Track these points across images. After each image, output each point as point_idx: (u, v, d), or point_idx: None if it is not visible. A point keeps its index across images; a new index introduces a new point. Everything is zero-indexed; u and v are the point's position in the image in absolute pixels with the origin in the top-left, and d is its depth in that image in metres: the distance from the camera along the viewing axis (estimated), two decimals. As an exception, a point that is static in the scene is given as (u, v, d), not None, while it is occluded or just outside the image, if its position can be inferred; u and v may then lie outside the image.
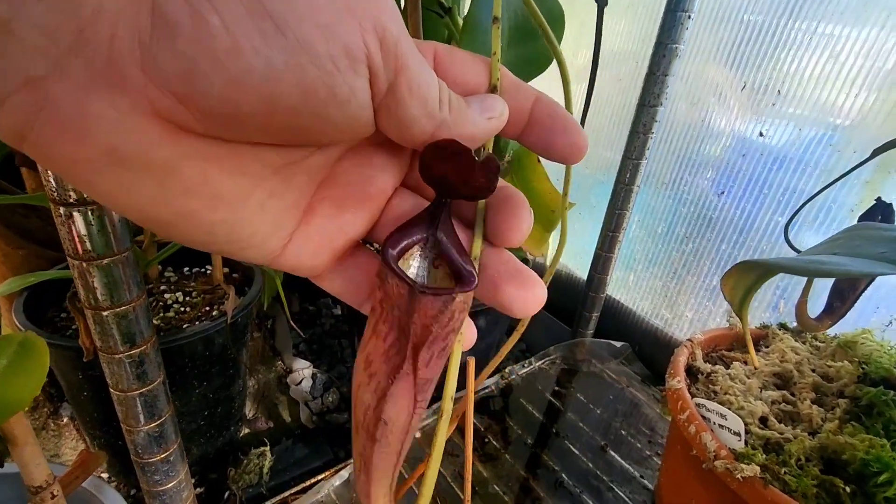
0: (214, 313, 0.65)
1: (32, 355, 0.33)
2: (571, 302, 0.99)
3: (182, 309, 0.67)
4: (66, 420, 0.79)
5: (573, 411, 0.82)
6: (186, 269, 0.78)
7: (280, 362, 0.98)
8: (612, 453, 0.75)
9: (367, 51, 0.15)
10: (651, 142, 0.72)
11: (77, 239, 0.31)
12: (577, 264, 1.04)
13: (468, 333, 0.21)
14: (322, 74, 0.14)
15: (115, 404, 0.39)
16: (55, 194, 0.30)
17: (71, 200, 0.30)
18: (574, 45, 0.88)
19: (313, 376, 0.95)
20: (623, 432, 0.79)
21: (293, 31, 0.13)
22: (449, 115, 0.17)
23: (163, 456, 0.43)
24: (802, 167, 0.68)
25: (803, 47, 0.64)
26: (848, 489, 0.43)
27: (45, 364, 0.33)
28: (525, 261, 0.83)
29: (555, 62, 0.27)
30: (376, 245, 0.20)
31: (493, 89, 0.20)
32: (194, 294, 0.70)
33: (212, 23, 0.13)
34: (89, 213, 0.31)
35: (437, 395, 0.21)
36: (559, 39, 0.52)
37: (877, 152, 0.42)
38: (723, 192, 0.76)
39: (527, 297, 0.19)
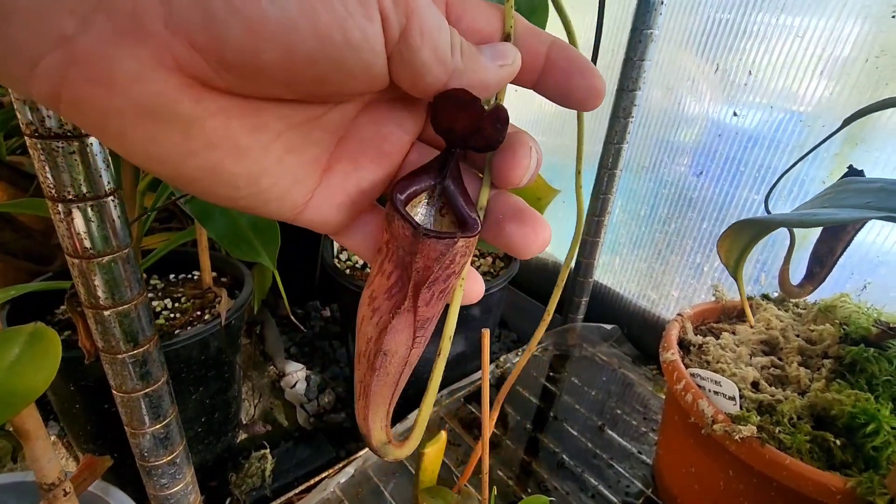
0: (207, 317, 0.64)
1: (44, 345, 0.32)
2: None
3: (172, 315, 0.66)
4: (53, 439, 0.76)
5: (568, 394, 0.84)
6: (172, 276, 0.76)
7: (272, 367, 0.97)
8: (610, 432, 0.76)
9: (386, 14, 0.15)
10: (631, 126, 0.74)
11: (76, 236, 0.31)
12: (563, 251, 1.06)
13: (475, 287, 0.22)
14: (335, 19, 0.14)
15: (119, 407, 0.39)
16: (53, 191, 0.29)
17: (70, 197, 0.29)
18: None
19: (307, 378, 0.94)
20: (618, 411, 0.81)
21: None
22: (461, 62, 0.17)
23: (169, 458, 0.42)
24: (775, 145, 0.71)
25: (767, 38, 0.67)
26: (838, 442, 0.45)
27: (57, 353, 0.32)
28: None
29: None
30: None
31: (506, 37, 0.20)
32: (183, 300, 0.69)
33: None
34: (88, 209, 0.30)
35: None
36: (542, 25, 0.53)
37: (847, 122, 0.44)
38: (701, 173, 0.78)
39: (528, 234, 0.20)
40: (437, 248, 0.18)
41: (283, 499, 0.61)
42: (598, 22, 0.56)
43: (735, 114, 0.72)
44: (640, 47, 0.68)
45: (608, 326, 0.95)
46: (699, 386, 0.52)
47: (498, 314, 0.88)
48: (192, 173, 0.16)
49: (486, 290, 0.76)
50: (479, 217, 0.20)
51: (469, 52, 0.18)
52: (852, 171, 0.49)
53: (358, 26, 0.15)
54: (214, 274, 0.74)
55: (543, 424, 0.77)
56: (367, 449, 0.67)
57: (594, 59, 0.60)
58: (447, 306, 0.21)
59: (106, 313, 0.34)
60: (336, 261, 0.82)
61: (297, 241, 0.73)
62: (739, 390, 0.50)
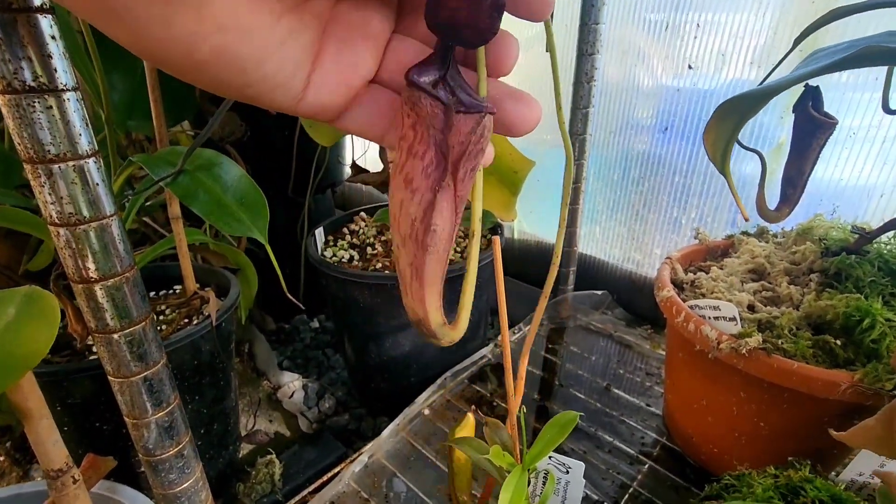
0: (195, 322, 0.62)
1: (41, 305, 0.30)
2: (546, 267, 1.02)
3: (158, 328, 0.63)
4: (39, 479, 0.71)
5: (570, 363, 0.84)
6: (153, 293, 0.74)
7: (266, 381, 0.94)
8: (616, 391, 0.76)
9: None
10: (595, 90, 0.76)
11: (60, 200, 0.29)
12: (546, 230, 1.07)
13: (531, 112, 0.22)
14: None
15: (118, 396, 0.36)
16: (31, 152, 0.28)
17: (49, 157, 0.28)
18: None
19: (304, 387, 0.91)
20: (621, 371, 0.81)
21: None
22: None
23: (176, 450, 0.40)
24: (732, 91, 0.74)
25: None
26: (839, 342, 0.46)
27: (56, 315, 0.30)
28: (497, 226, 0.84)
29: None
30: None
31: None
32: (168, 311, 0.67)
33: None
34: (70, 168, 0.29)
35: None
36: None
37: (797, 41, 0.47)
38: (666, 129, 0.81)
39: (524, 111, 0.21)
40: (469, 123, 0.18)
41: (296, 498, 0.58)
42: None
43: (690, 66, 0.75)
44: (593, 11, 0.71)
45: (598, 293, 0.96)
46: (699, 315, 0.53)
47: (491, 291, 0.88)
48: (204, 57, 0.17)
49: (478, 265, 0.76)
50: (485, 100, 0.20)
51: None
52: (809, 89, 0.51)
53: None
54: (198, 285, 0.72)
55: (550, 392, 0.77)
56: (377, 439, 0.66)
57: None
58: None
59: (96, 287, 0.32)
60: (323, 257, 0.81)
61: (280, 256, 0.72)
62: (738, 312, 0.51)
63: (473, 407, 0.39)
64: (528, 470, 0.32)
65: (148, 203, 0.83)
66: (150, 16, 0.15)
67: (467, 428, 0.42)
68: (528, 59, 0.99)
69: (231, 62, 0.17)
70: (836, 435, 0.28)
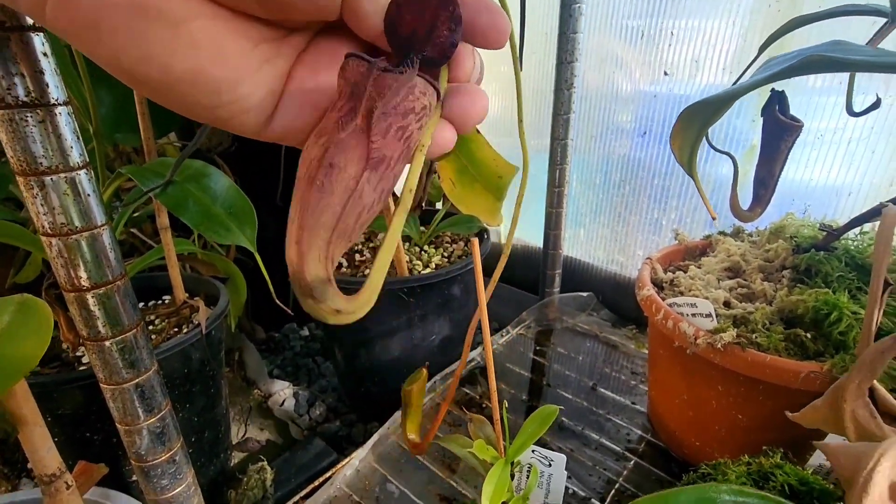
0: (185, 330, 0.62)
1: (35, 314, 0.30)
2: (533, 270, 1.04)
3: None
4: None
5: (557, 363, 0.85)
6: (142, 304, 0.74)
7: (256, 390, 0.94)
8: (602, 390, 0.78)
9: None
10: (575, 96, 0.78)
11: (52, 211, 0.30)
12: (531, 234, 1.09)
13: (446, 133, 0.21)
14: None
15: (110, 402, 0.37)
16: (24, 165, 0.29)
17: (42, 169, 0.29)
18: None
19: (295, 395, 0.92)
20: (607, 370, 0.83)
21: None
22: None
23: (167, 455, 0.40)
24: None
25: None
26: (809, 335, 0.48)
27: (49, 323, 0.30)
28: (483, 231, 0.85)
29: None
30: None
31: None
32: (157, 321, 0.67)
33: None
34: (62, 180, 0.30)
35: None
36: None
37: (763, 47, 0.49)
38: (645, 133, 0.84)
39: (474, 107, 0.21)
40: (393, 82, 0.17)
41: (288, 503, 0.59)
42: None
43: (666, 73, 0.78)
44: (571, 21, 0.73)
45: (584, 294, 0.97)
46: (678, 313, 0.55)
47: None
48: (178, 75, 0.17)
49: (465, 268, 0.77)
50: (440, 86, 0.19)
51: None
52: (774, 93, 0.54)
53: None
54: (187, 294, 0.73)
55: (538, 393, 0.78)
56: (368, 442, 0.66)
57: (521, 38, 0.64)
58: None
59: (88, 295, 0.33)
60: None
61: (269, 264, 0.73)
62: (714, 309, 0.53)
63: (427, 364, 0.40)
64: (512, 463, 0.33)
65: (136, 214, 0.84)
66: (128, 32, 0.16)
67: (420, 382, 0.43)
68: (505, 69, 1.01)
69: (205, 83, 0.18)
70: (791, 415, 0.30)
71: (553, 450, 0.67)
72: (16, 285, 0.66)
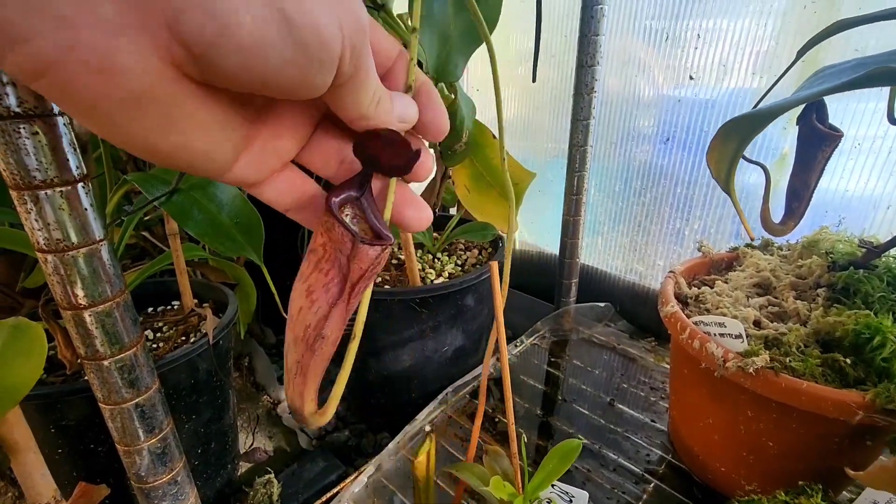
0: (192, 339, 0.61)
1: (29, 337, 0.29)
2: (548, 279, 1.01)
3: (155, 346, 0.63)
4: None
5: (573, 377, 0.83)
6: (151, 308, 0.73)
7: (266, 396, 0.93)
8: (620, 406, 0.75)
9: (342, 60, 0.18)
10: (595, 101, 0.76)
11: (47, 227, 0.29)
12: (547, 241, 1.07)
13: (422, 214, 0.27)
14: (309, 73, 0.17)
15: (109, 422, 0.36)
16: (17, 179, 0.27)
17: (36, 182, 0.28)
18: (507, 30, 0.92)
19: (304, 402, 0.90)
20: (625, 385, 0.80)
21: (301, 36, 0.16)
22: (373, 111, 0.22)
23: (169, 476, 0.39)
24: (734, 102, 0.73)
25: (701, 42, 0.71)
26: (849, 361, 0.45)
27: (43, 347, 0.29)
28: (499, 239, 0.83)
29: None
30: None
31: (407, 88, 0.25)
32: (165, 328, 0.66)
33: (241, 16, 0.15)
34: (57, 195, 0.28)
35: None
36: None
37: (801, 52, 0.46)
38: (668, 139, 0.81)
39: (417, 215, 0.27)
40: (371, 253, 0.21)
41: (294, 521, 0.57)
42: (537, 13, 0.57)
43: (691, 77, 0.75)
44: (592, 23, 0.70)
45: (601, 304, 0.94)
46: (705, 332, 0.52)
47: (492, 305, 0.87)
48: (163, 150, 0.18)
49: (479, 278, 0.75)
50: (389, 231, 0.24)
51: (383, 104, 0.22)
52: (813, 104, 0.51)
53: (321, 78, 0.18)
54: (196, 301, 0.71)
55: (553, 408, 0.76)
56: (377, 458, 0.64)
57: (537, 40, 0.62)
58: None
59: (85, 314, 0.31)
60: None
61: (279, 269, 0.71)
62: (744, 329, 0.50)
63: (433, 431, 0.39)
64: (531, 501, 0.31)
65: (147, 218, 0.83)
66: (122, 118, 0.16)
67: (429, 451, 0.42)
68: (523, 71, 0.99)
69: (185, 155, 0.19)
70: (854, 475, 0.27)
71: (569, 471, 0.65)
72: (24, 289, 0.65)
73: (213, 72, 0.16)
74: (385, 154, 0.22)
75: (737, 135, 0.35)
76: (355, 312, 0.25)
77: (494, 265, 0.35)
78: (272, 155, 0.23)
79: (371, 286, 0.25)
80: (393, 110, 0.23)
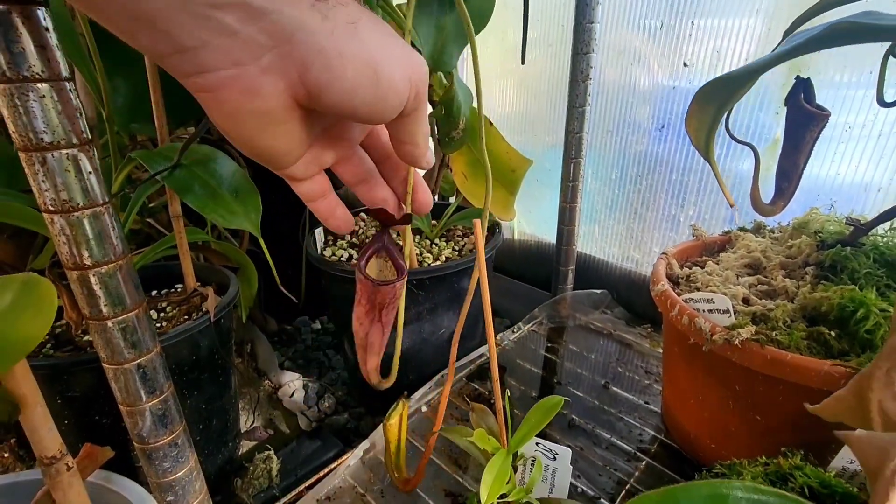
0: (195, 317, 0.63)
1: (39, 292, 0.30)
2: (545, 267, 1.02)
3: (159, 325, 0.64)
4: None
5: (569, 361, 0.84)
6: (154, 291, 0.75)
7: (267, 381, 0.94)
8: (615, 389, 0.76)
9: (408, 100, 0.26)
10: (591, 90, 0.77)
11: (55, 188, 0.30)
12: (545, 230, 1.08)
13: (425, 198, 0.36)
14: (385, 108, 0.25)
15: (112, 383, 0.37)
16: (26, 140, 0.29)
17: (44, 144, 0.29)
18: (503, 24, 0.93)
19: (305, 387, 0.92)
20: (620, 369, 0.81)
21: (384, 85, 0.24)
22: (422, 142, 0.29)
23: (170, 438, 0.40)
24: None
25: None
26: (833, 333, 0.46)
27: (53, 302, 0.31)
28: (496, 225, 0.84)
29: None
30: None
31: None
32: (168, 308, 0.68)
33: (346, 71, 0.23)
34: (64, 157, 0.30)
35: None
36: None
37: (788, 32, 0.47)
38: (663, 127, 0.81)
39: (425, 197, 0.36)
40: (387, 289, 0.34)
41: (292, 494, 0.59)
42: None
43: (685, 64, 0.76)
44: (587, 10, 0.71)
45: (598, 291, 0.95)
46: (694, 309, 0.53)
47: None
48: (258, 148, 0.26)
49: (475, 261, 0.76)
50: (405, 265, 0.35)
51: (427, 141, 0.30)
52: (800, 81, 0.51)
53: (392, 112, 0.26)
54: (199, 283, 0.73)
55: (549, 391, 0.77)
56: (372, 435, 0.66)
57: (525, 17, 0.63)
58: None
59: (90, 274, 0.33)
60: (322, 255, 0.82)
61: (282, 257, 0.73)
62: (732, 305, 0.51)
63: (406, 393, 0.44)
64: (515, 455, 0.32)
65: (151, 205, 0.85)
66: (253, 127, 0.25)
67: (401, 414, 0.44)
68: (520, 65, 1.00)
69: (270, 153, 0.26)
70: (811, 408, 0.28)
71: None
72: (33, 271, 0.67)
73: (320, 103, 0.24)
74: (389, 219, 0.33)
75: (715, 99, 0.36)
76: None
77: (477, 222, 0.36)
78: (315, 163, 0.30)
79: (400, 306, 0.42)
80: (428, 151, 0.31)
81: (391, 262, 0.36)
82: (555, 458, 0.35)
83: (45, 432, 0.34)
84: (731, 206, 0.51)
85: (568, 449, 0.35)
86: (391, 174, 0.35)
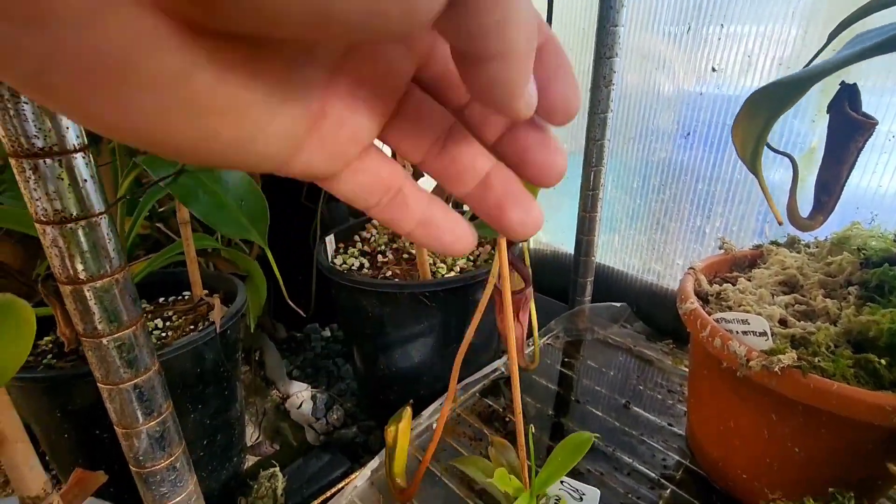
0: (200, 328, 0.61)
1: (15, 317, 0.28)
2: (562, 277, 0.99)
3: (163, 334, 0.63)
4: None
5: (587, 378, 0.80)
6: (162, 298, 0.73)
7: (275, 391, 0.92)
8: (636, 409, 0.72)
9: None
10: (613, 94, 0.74)
11: (47, 196, 0.28)
12: (562, 239, 1.04)
13: (461, 231, 0.19)
14: None
15: (107, 403, 0.35)
16: (16, 146, 0.27)
17: (36, 150, 0.27)
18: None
19: (313, 398, 0.90)
20: (641, 388, 0.77)
21: None
22: (507, 67, 0.13)
23: (168, 462, 0.38)
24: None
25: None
26: (883, 362, 0.42)
27: (31, 327, 0.28)
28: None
29: None
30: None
31: None
32: (174, 317, 0.66)
33: None
34: (57, 164, 0.28)
35: None
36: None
37: (833, 35, 0.44)
38: (689, 134, 0.78)
39: (526, 221, 0.18)
40: (517, 298, 0.44)
41: (298, 515, 0.56)
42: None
43: (714, 69, 0.72)
44: (611, 13, 0.68)
45: (617, 305, 0.92)
46: (726, 330, 0.49)
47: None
48: (176, 145, 0.13)
49: (490, 273, 0.73)
50: (529, 275, 0.46)
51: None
52: (844, 87, 0.48)
53: None
54: (206, 291, 0.71)
55: (566, 409, 0.73)
56: (382, 452, 0.63)
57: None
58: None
59: (85, 289, 0.31)
60: (332, 264, 0.80)
61: (292, 264, 0.71)
62: (769, 326, 0.47)
63: (412, 402, 0.41)
64: (538, 496, 0.29)
65: (161, 209, 0.84)
66: (114, 101, 0.11)
67: (404, 421, 0.43)
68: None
69: (210, 149, 0.13)
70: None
71: (581, 473, 0.63)
72: (39, 276, 0.65)
73: (224, 10, 0.10)
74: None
75: (766, 108, 0.33)
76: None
77: (502, 241, 0.34)
78: (347, 138, 0.16)
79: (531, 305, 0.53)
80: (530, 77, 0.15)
81: (518, 272, 0.45)
82: (581, 499, 0.32)
83: (27, 470, 0.32)
84: (780, 223, 0.48)
85: (597, 491, 0.32)
86: (481, 124, 0.18)
